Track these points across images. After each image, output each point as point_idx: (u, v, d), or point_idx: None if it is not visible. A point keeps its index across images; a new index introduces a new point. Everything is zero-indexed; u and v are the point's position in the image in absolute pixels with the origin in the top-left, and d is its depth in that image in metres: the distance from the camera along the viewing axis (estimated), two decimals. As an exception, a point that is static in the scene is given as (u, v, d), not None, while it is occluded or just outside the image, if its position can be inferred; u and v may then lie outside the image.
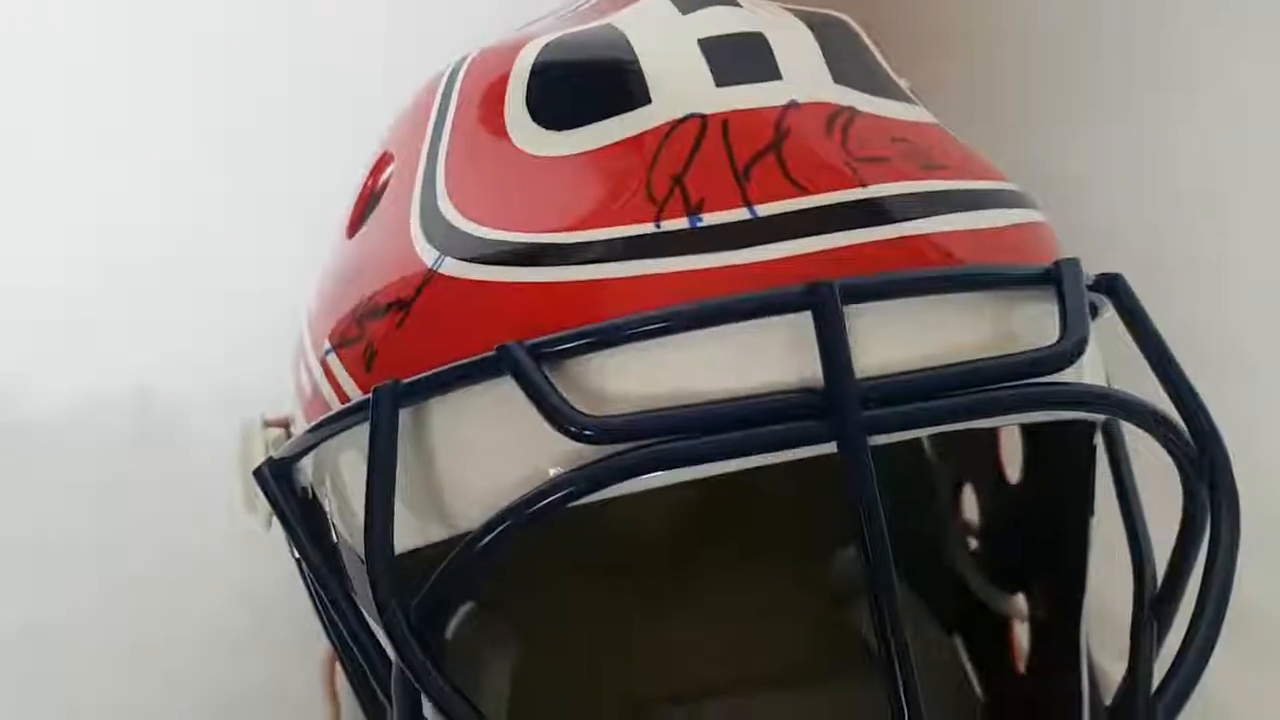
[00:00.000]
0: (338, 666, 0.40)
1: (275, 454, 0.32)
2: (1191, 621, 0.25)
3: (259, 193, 0.63)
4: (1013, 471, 0.41)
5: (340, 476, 0.30)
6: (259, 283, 0.60)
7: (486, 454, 0.25)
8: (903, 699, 0.22)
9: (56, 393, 0.59)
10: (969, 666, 0.44)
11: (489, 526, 0.23)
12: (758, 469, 0.25)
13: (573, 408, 0.23)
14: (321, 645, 0.41)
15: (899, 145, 0.27)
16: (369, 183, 0.35)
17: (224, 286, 0.62)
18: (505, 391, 0.25)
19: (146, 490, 0.54)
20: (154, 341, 0.61)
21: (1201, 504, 0.26)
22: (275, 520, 0.35)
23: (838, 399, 0.23)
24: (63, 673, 0.49)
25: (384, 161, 0.34)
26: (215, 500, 0.53)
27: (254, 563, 0.51)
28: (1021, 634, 0.42)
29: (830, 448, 0.23)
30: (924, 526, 0.46)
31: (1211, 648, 0.25)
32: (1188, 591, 0.30)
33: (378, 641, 0.29)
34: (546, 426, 0.24)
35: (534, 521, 0.23)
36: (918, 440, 0.46)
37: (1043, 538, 0.39)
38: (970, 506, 0.46)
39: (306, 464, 0.33)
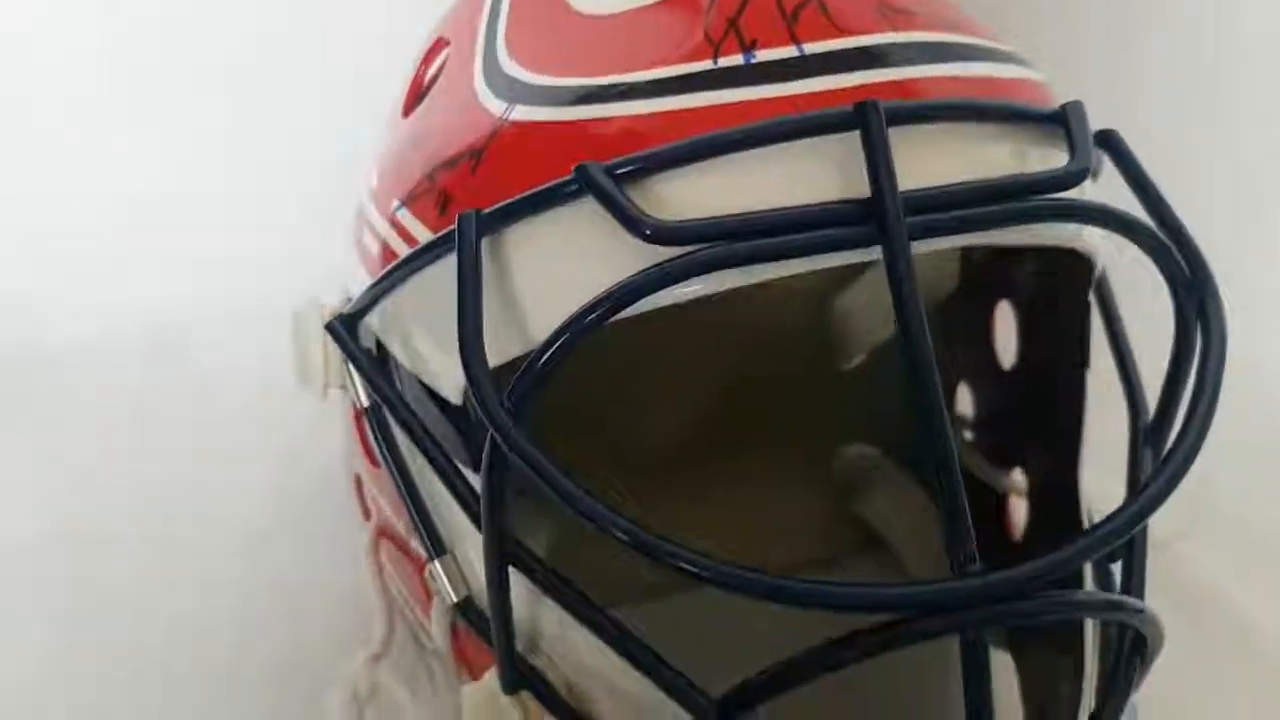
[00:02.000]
0: (384, 556, 0.42)
1: (344, 311, 0.34)
2: (1183, 424, 0.28)
3: (259, 128, 0.65)
4: (1006, 358, 0.45)
5: (414, 320, 0.32)
6: (260, 218, 0.62)
7: (560, 274, 0.28)
8: (952, 501, 0.25)
9: (78, 320, 0.61)
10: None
11: (569, 322, 0.26)
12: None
13: (643, 213, 0.26)
14: (364, 538, 0.43)
15: (926, 6, 0.30)
16: (421, 69, 0.37)
17: (225, 222, 0.64)
18: (578, 215, 0.27)
19: (164, 404, 0.57)
20: (161, 273, 0.63)
21: (1190, 324, 0.29)
22: (328, 391, 0.38)
23: (884, 205, 0.25)
24: (97, 576, 0.51)
25: (438, 46, 0.36)
26: (231, 408, 0.56)
27: (279, 465, 0.53)
28: (1018, 510, 0.45)
29: (876, 253, 0.26)
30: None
31: (1196, 450, 0.27)
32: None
33: (460, 472, 0.32)
34: (617, 242, 0.26)
35: (605, 320, 0.25)
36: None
37: (1039, 409, 0.42)
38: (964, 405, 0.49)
39: (371, 322, 0.35)
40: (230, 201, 0.64)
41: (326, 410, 0.48)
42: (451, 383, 0.31)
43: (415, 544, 0.39)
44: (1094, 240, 0.32)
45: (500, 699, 0.34)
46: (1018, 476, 0.44)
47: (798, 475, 0.50)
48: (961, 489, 0.24)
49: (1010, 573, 0.24)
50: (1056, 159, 0.29)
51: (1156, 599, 0.31)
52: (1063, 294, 0.36)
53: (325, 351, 0.38)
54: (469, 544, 0.34)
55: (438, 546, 0.35)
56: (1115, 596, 0.28)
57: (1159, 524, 0.29)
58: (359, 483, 0.46)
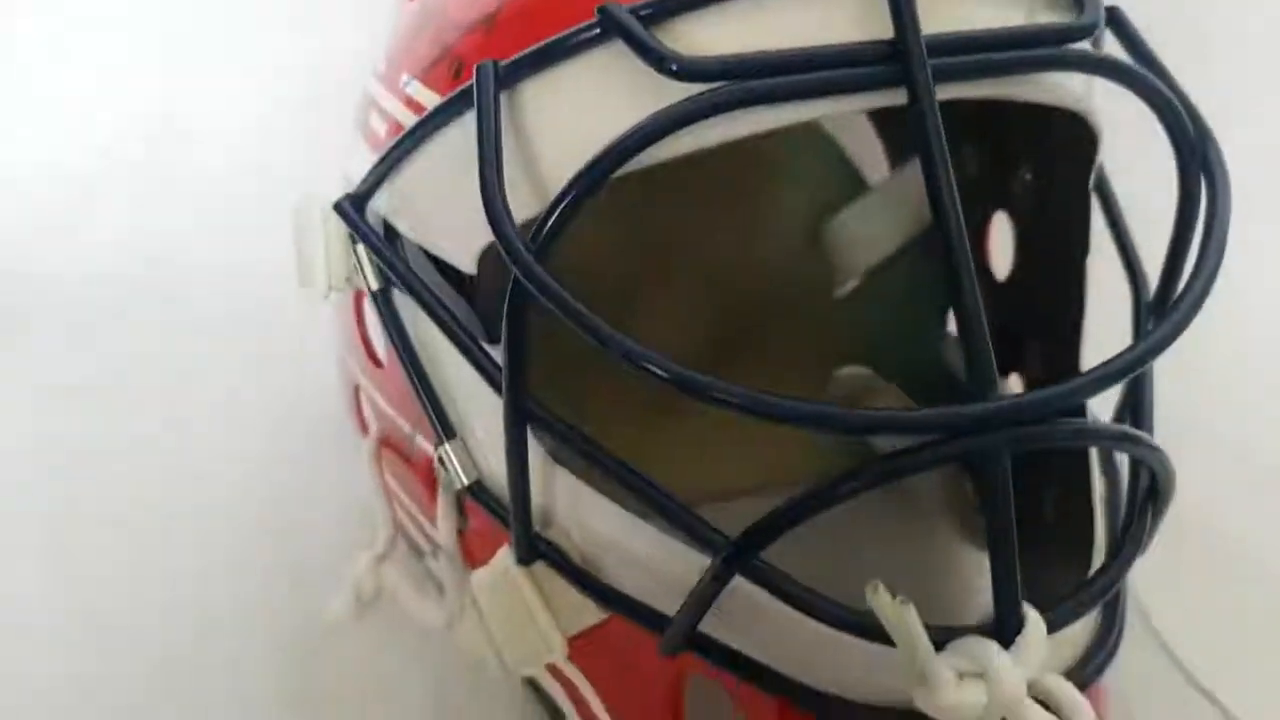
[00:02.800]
0: (385, 460, 0.42)
1: (351, 191, 0.34)
2: (1190, 279, 0.29)
3: (258, 66, 0.64)
4: (1000, 273, 0.46)
5: (425, 190, 0.32)
6: (259, 155, 0.62)
7: (582, 125, 0.27)
8: (974, 332, 0.25)
9: (70, 257, 0.60)
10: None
11: (599, 157, 0.26)
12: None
13: (667, 48, 0.26)
14: (367, 441, 0.43)
15: None
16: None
17: (222, 160, 0.64)
18: (599, 62, 0.27)
19: (159, 331, 0.56)
20: (155, 211, 0.62)
21: (1194, 182, 0.30)
22: (328, 297, 0.38)
23: (907, 44, 0.26)
24: (96, 487, 0.50)
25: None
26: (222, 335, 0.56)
27: (265, 387, 0.53)
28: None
29: (899, 96, 0.26)
30: (917, 341, 0.50)
31: (1206, 295, 0.28)
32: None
33: (475, 340, 0.31)
34: (640, 87, 0.26)
35: (634, 152, 0.25)
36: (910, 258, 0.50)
37: (1037, 312, 0.42)
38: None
39: (378, 205, 0.35)
40: (222, 136, 0.64)
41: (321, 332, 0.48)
42: (466, 248, 0.31)
43: (419, 442, 0.39)
44: (1097, 118, 0.33)
45: (512, 573, 0.34)
46: (1014, 382, 0.45)
47: (798, 386, 0.50)
48: (983, 318, 0.25)
49: (1033, 395, 0.24)
50: (1066, 19, 0.29)
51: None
52: (1063, 177, 0.37)
53: (326, 246, 0.38)
54: (479, 426, 0.34)
55: (448, 430, 0.35)
56: (1131, 430, 0.28)
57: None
58: (357, 396, 0.46)
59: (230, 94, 0.63)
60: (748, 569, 0.26)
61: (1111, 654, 0.28)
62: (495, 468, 0.34)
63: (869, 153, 0.52)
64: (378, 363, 0.41)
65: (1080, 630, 0.28)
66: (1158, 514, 0.29)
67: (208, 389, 0.53)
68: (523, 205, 0.29)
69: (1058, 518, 0.37)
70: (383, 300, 0.35)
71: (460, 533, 0.39)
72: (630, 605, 0.30)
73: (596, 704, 0.34)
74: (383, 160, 0.33)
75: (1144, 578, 0.35)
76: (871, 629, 0.26)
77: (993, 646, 0.24)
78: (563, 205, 0.26)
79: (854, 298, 0.53)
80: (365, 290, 0.36)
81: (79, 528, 0.47)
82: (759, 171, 0.52)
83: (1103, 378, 0.25)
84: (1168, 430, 0.32)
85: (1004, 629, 0.25)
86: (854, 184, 0.53)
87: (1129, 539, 0.29)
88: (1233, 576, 0.44)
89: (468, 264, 0.31)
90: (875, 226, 0.51)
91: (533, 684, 0.37)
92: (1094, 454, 0.35)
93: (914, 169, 0.47)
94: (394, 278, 0.33)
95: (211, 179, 0.62)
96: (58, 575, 0.45)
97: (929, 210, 0.47)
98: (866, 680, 0.27)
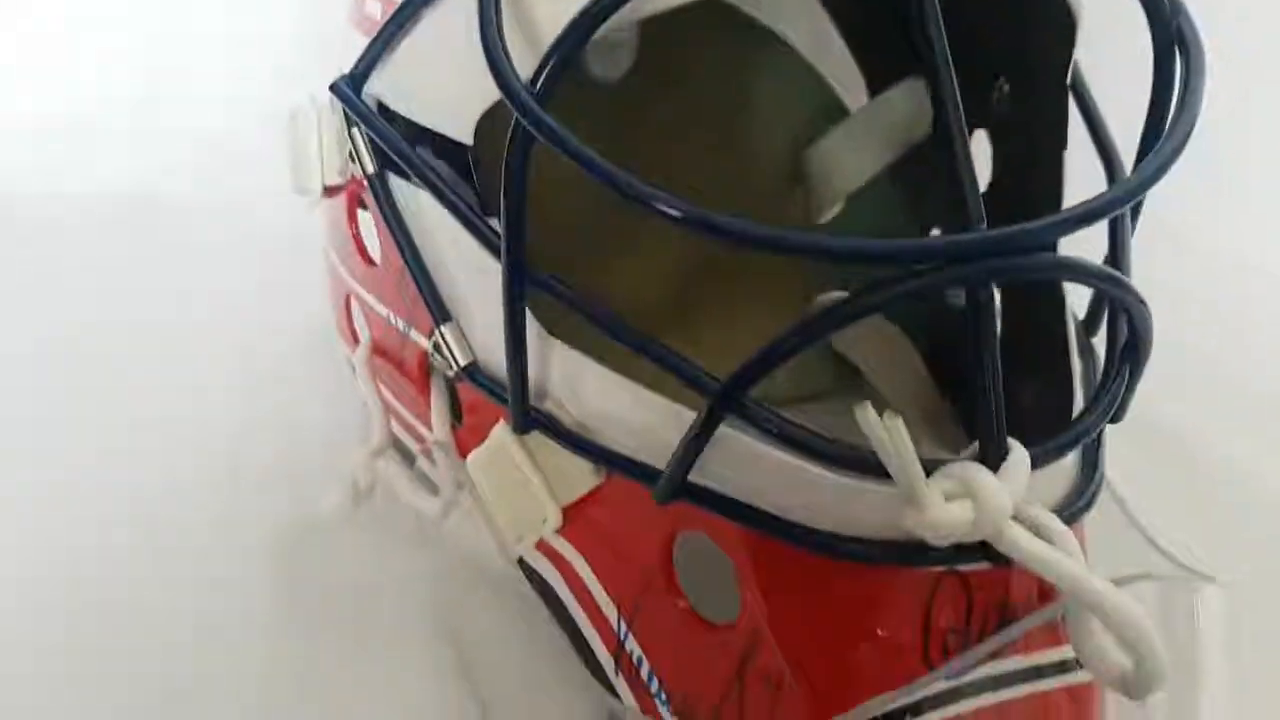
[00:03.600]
0: (377, 367, 0.43)
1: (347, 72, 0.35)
2: (1165, 136, 0.30)
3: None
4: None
5: (423, 59, 0.33)
6: (257, 90, 0.62)
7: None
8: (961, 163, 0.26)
9: (65, 195, 0.60)
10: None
11: (586, 8, 0.26)
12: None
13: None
14: (359, 349, 0.43)
15: None
16: None
17: (219, 94, 0.64)
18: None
19: (152, 261, 0.57)
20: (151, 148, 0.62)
21: (1167, 57, 0.31)
22: (324, 201, 0.39)
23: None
24: (94, 389, 0.50)
25: None
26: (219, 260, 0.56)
27: (264, 307, 0.54)
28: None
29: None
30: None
31: (1185, 143, 0.29)
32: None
33: (474, 211, 0.32)
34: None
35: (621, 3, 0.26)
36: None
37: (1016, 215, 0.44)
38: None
39: (374, 88, 0.36)
40: (211, 79, 0.64)
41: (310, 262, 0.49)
42: (464, 117, 0.31)
43: (413, 337, 0.40)
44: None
45: (508, 446, 0.35)
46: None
47: (776, 318, 0.51)
48: (969, 152, 0.26)
49: (1017, 226, 0.25)
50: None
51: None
52: (1041, 80, 0.38)
53: (322, 139, 0.38)
54: (474, 306, 0.35)
55: (445, 313, 0.36)
56: (1116, 273, 0.29)
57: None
58: (348, 308, 0.46)
59: (225, 36, 0.64)
60: (738, 408, 0.27)
61: (1090, 503, 0.29)
62: (490, 349, 0.35)
63: (850, 82, 0.53)
64: (371, 262, 0.41)
65: (1060, 478, 0.29)
66: (1136, 370, 0.30)
67: (208, 310, 0.53)
68: (520, 67, 0.29)
69: (1037, 406, 0.38)
70: (379, 183, 0.35)
71: (452, 429, 0.40)
72: (623, 461, 0.31)
73: (588, 575, 0.35)
74: (378, 37, 0.34)
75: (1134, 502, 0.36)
76: (859, 462, 0.27)
77: (979, 468, 0.25)
78: (561, 48, 0.27)
79: (834, 226, 0.54)
80: (361, 178, 0.36)
81: (79, 432, 0.47)
82: (739, 102, 0.53)
83: (1083, 215, 0.26)
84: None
85: (989, 456, 0.26)
86: (835, 112, 0.54)
87: (1106, 390, 0.30)
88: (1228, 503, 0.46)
89: (466, 133, 0.31)
90: (857, 151, 0.52)
91: (524, 568, 0.38)
92: (1072, 336, 0.36)
93: (897, 92, 0.48)
94: (391, 154, 0.34)
95: (205, 117, 0.62)
96: (56, 479, 0.45)
97: (912, 132, 0.49)
98: (854, 516, 0.27)
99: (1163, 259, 0.38)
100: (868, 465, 0.27)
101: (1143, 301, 0.28)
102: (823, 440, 0.27)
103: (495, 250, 0.31)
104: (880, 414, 0.24)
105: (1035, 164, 0.40)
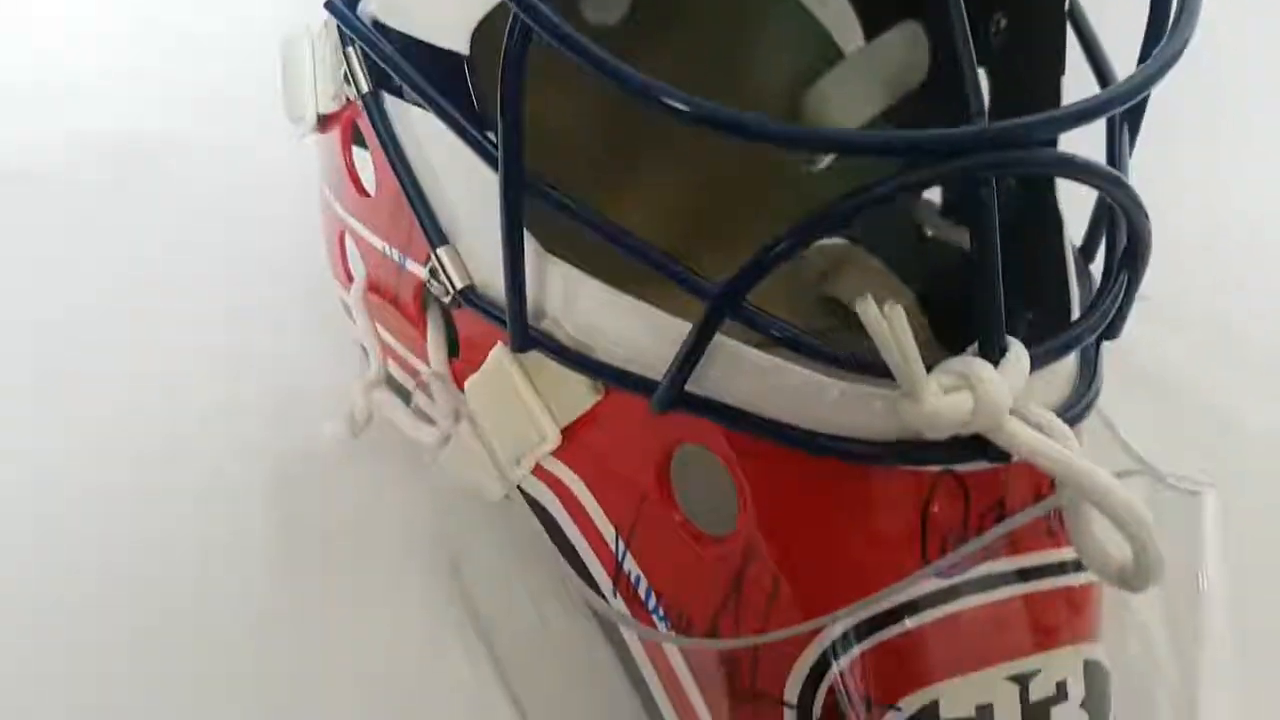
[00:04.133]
0: (372, 305, 0.43)
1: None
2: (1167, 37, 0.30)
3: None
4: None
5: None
6: (241, 27, 0.62)
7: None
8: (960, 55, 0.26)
9: (39, 142, 0.60)
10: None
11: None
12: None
13: None
14: (354, 287, 0.43)
15: None
16: None
17: (201, 30, 0.64)
18: None
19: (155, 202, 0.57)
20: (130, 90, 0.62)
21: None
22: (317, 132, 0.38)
23: None
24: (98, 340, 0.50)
25: None
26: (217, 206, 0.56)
27: (241, 269, 0.54)
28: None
29: None
30: (893, 210, 0.51)
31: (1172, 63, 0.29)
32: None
33: (472, 121, 0.32)
34: None
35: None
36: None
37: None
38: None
39: (369, 8, 0.36)
40: (200, 29, 0.64)
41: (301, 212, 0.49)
42: (461, 25, 0.31)
43: (410, 267, 0.39)
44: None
45: (506, 367, 0.35)
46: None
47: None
48: (968, 38, 0.25)
49: (1018, 119, 0.25)
50: None
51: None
52: (1040, 11, 0.38)
53: (315, 64, 0.38)
54: (470, 229, 0.35)
55: (441, 237, 0.35)
56: (1117, 173, 0.29)
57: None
58: (342, 246, 0.46)
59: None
60: (737, 311, 0.27)
61: (1087, 409, 0.29)
62: (486, 273, 0.35)
63: (847, 26, 0.53)
64: (365, 193, 0.41)
65: (1057, 383, 0.29)
66: (1134, 279, 0.30)
67: (204, 251, 0.53)
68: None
69: (1034, 334, 0.38)
70: (374, 103, 0.35)
71: (449, 363, 0.40)
72: (621, 374, 0.31)
73: (586, 498, 0.35)
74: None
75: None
76: (858, 362, 0.27)
77: (978, 361, 0.25)
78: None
79: (829, 171, 0.54)
80: (356, 99, 0.36)
81: (77, 370, 0.48)
82: (736, 47, 0.53)
83: (1081, 112, 0.26)
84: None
85: (988, 352, 0.26)
86: (831, 57, 0.54)
87: (1104, 298, 0.30)
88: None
89: (462, 41, 0.31)
90: (852, 95, 0.52)
91: (522, 496, 0.38)
92: (1070, 262, 0.36)
93: (894, 35, 0.48)
94: (387, 68, 0.34)
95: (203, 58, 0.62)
96: (55, 417, 0.45)
97: (908, 75, 0.49)
98: (853, 420, 0.27)
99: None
100: (866, 365, 0.27)
101: (1142, 207, 0.28)
102: (821, 342, 0.27)
103: (492, 160, 0.31)
104: (880, 307, 0.24)
105: (1034, 93, 0.40)
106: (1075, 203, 0.37)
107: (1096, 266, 0.37)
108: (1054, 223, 0.37)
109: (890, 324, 0.24)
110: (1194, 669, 0.30)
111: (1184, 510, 0.29)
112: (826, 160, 0.54)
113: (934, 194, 0.50)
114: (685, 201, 0.53)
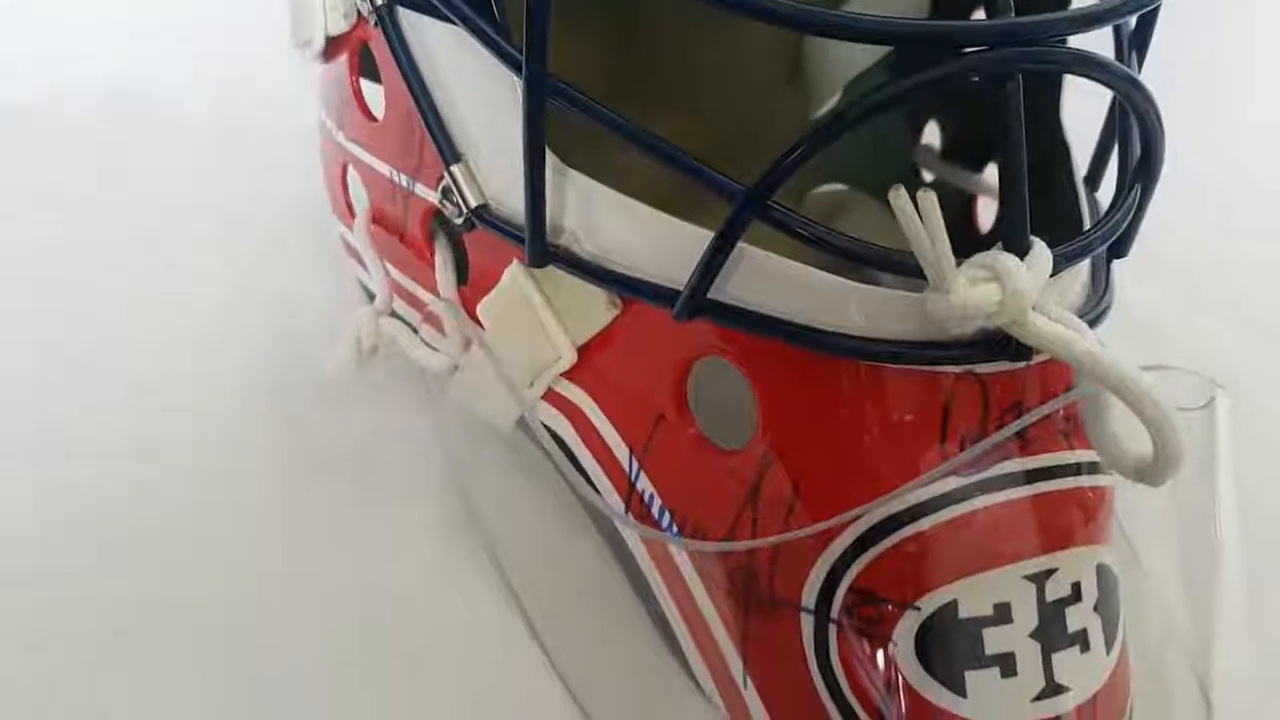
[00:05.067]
0: (377, 232, 0.42)
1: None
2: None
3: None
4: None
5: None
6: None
7: None
8: None
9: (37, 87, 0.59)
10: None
11: None
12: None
13: None
14: (359, 218, 0.43)
15: None
16: None
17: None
18: None
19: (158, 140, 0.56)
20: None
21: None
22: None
23: None
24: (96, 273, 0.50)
25: None
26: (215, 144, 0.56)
27: (241, 209, 0.53)
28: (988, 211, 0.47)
29: None
30: (892, 157, 0.52)
31: None
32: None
33: (493, 31, 0.31)
34: None
35: None
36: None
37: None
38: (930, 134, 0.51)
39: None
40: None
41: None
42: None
43: (419, 191, 0.39)
44: None
45: (521, 284, 0.35)
46: (989, 175, 0.47)
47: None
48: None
49: (1040, 15, 0.25)
50: None
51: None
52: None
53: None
54: (484, 148, 0.35)
55: (455, 154, 0.35)
56: (1136, 76, 0.29)
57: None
58: (344, 180, 0.46)
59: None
60: (764, 211, 0.27)
61: (1102, 315, 0.30)
62: (501, 191, 0.35)
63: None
64: (372, 117, 0.41)
65: (1072, 290, 0.29)
66: (1147, 189, 0.31)
67: (202, 183, 0.53)
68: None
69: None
70: (388, 15, 0.35)
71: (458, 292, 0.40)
72: (641, 284, 0.31)
73: (600, 420, 0.35)
74: None
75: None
76: (887, 260, 0.27)
77: (1005, 254, 0.26)
78: None
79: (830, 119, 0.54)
80: (369, 14, 0.36)
81: (78, 307, 0.47)
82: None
83: (1102, 14, 0.26)
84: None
85: (1014, 245, 0.26)
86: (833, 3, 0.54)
87: (1118, 207, 0.30)
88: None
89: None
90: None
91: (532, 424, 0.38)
92: (1080, 183, 0.36)
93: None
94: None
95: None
96: (55, 354, 0.45)
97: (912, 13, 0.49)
98: (878, 324, 0.28)
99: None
100: (894, 264, 0.27)
101: (1157, 110, 0.28)
102: (849, 239, 0.27)
103: (515, 64, 0.30)
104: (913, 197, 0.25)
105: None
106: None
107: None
108: (1061, 147, 0.37)
109: (922, 210, 0.24)
110: (1209, 587, 0.31)
111: (1197, 417, 0.29)
112: (830, 104, 0.54)
113: (932, 138, 0.51)
114: (693, 139, 0.53)
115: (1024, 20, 0.25)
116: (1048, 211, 0.35)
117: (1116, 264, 0.33)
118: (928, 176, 0.50)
